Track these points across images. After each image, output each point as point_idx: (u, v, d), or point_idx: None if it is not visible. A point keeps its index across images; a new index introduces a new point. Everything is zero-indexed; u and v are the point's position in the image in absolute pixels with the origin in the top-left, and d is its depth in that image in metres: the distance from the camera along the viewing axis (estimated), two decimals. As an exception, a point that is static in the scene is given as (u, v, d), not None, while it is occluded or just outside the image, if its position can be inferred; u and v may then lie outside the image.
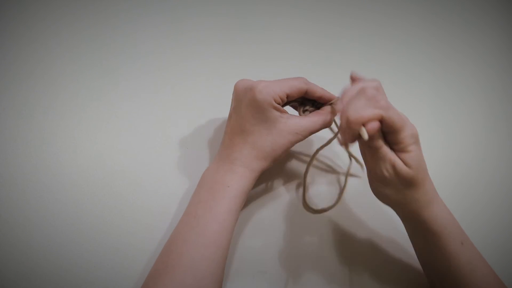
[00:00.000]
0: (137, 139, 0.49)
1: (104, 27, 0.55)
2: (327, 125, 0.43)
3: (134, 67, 0.53)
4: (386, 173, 0.36)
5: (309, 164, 0.47)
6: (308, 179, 0.49)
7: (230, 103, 0.44)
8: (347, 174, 0.49)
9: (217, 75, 0.54)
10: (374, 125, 0.33)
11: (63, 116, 0.49)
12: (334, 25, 0.61)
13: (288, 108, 0.46)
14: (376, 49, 0.61)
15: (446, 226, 0.38)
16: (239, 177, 0.40)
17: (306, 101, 0.44)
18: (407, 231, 0.42)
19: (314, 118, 0.42)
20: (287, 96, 0.41)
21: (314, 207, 0.47)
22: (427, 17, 0.64)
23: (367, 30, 0.62)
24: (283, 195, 0.49)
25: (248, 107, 0.40)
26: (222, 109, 0.50)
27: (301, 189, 0.49)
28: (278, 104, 0.40)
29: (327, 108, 0.43)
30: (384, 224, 0.49)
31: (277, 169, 0.50)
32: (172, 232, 0.40)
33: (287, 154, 0.51)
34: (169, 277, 0.35)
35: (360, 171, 0.51)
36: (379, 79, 0.58)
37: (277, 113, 0.40)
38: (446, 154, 0.55)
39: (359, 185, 0.51)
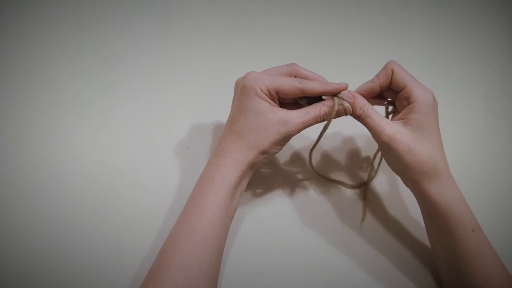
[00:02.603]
0: (137, 139, 0.49)
1: (104, 27, 0.55)
2: (321, 117, 0.40)
3: (134, 67, 0.53)
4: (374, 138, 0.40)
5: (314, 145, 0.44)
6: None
7: (231, 102, 0.44)
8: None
9: (217, 75, 0.54)
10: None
11: (63, 116, 0.49)
12: (334, 25, 0.61)
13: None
14: (376, 49, 0.61)
15: (455, 209, 0.38)
16: (223, 169, 0.39)
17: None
18: (420, 209, 0.43)
19: (306, 109, 0.40)
20: (278, 92, 0.39)
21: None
22: (427, 17, 0.64)
23: (367, 30, 0.62)
24: (283, 195, 0.49)
25: (239, 95, 0.40)
26: (222, 109, 0.50)
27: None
28: (266, 95, 0.39)
29: (327, 101, 0.40)
30: (385, 225, 0.49)
31: (277, 168, 0.50)
32: (169, 232, 0.40)
33: (283, 152, 0.51)
34: (161, 276, 0.35)
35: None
36: (379, 79, 0.58)
37: (264, 103, 0.39)
38: (445, 154, 0.55)
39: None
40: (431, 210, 0.40)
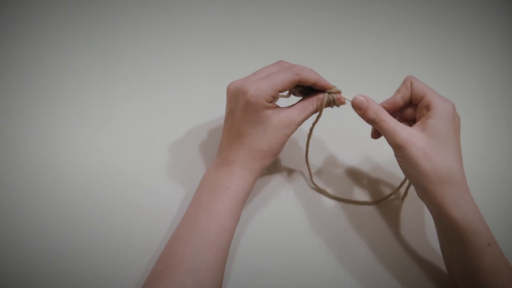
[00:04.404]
0: (137, 139, 0.49)
1: (104, 27, 0.55)
2: (316, 110, 0.43)
3: (134, 67, 0.53)
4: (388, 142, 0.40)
5: (307, 144, 0.47)
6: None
7: (227, 111, 0.44)
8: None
9: (216, 75, 0.54)
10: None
11: (63, 116, 0.49)
12: (334, 25, 0.61)
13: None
14: (376, 49, 0.61)
15: (471, 223, 0.37)
16: (238, 178, 0.41)
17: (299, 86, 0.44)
18: (434, 221, 0.41)
19: (303, 104, 0.42)
20: (280, 91, 0.40)
21: (320, 187, 0.49)
22: (427, 17, 0.64)
23: (367, 30, 0.62)
24: (283, 195, 0.49)
25: (242, 111, 0.40)
26: (221, 109, 0.49)
27: (305, 173, 0.49)
28: (271, 102, 0.40)
29: (318, 94, 0.43)
30: (386, 226, 0.49)
31: (276, 168, 0.50)
32: (173, 233, 0.40)
33: (283, 151, 0.51)
34: (170, 279, 0.36)
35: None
36: (379, 79, 0.58)
37: (270, 112, 0.40)
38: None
39: (364, 186, 0.51)
40: (446, 223, 0.38)
